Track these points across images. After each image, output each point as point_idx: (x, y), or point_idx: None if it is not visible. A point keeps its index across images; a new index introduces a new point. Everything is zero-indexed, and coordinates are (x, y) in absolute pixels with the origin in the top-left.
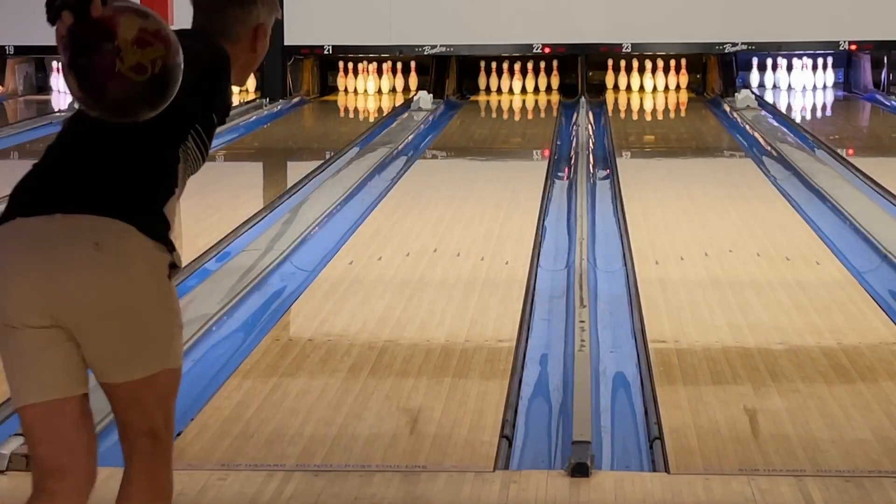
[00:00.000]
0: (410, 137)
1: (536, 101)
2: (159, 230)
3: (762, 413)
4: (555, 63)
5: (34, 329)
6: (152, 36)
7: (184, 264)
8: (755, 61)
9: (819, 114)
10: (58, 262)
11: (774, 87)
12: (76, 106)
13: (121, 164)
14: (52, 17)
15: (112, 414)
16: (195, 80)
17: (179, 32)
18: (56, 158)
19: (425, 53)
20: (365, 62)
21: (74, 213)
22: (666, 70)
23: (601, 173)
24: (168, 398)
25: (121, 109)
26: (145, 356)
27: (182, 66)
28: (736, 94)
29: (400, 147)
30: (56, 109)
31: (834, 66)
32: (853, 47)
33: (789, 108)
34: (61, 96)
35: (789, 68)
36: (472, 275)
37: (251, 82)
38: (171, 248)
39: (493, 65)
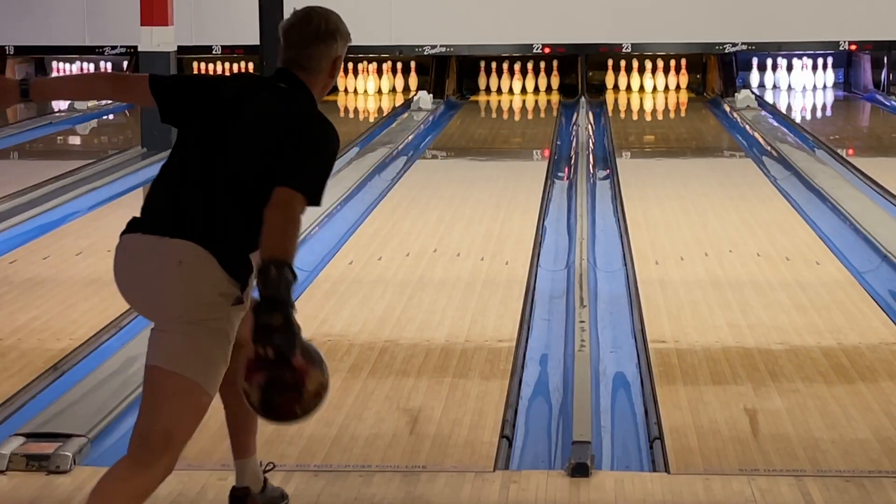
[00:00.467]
0: (410, 137)
1: (536, 101)
2: (238, 269)
3: (762, 413)
4: (555, 63)
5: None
6: (324, 390)
7: None
8: (755, 61)
9: (819, 114)
10: (149, 272)
11: (774, 87)
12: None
13: (225, 212)
14: (259, 339)
15: (108, 417)
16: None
17: (276, 78)
18: (178, 186)
19: (425, 53)
20: (365, 62)
21: (177, 238)
22: (666, 70)
23: (601, 173)
24: (182, 411)
25: (272, 420)
26: (185, 358)
27: None
28: (736, 94)
29: (400, 147)
30: (56, 109)
31: (834, 66)
32: (853, 47)
33: (789, 108)
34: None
35: (789, 68)
36: (472, 275)
37: None
38: (243, 286)
39: (493, 65)
